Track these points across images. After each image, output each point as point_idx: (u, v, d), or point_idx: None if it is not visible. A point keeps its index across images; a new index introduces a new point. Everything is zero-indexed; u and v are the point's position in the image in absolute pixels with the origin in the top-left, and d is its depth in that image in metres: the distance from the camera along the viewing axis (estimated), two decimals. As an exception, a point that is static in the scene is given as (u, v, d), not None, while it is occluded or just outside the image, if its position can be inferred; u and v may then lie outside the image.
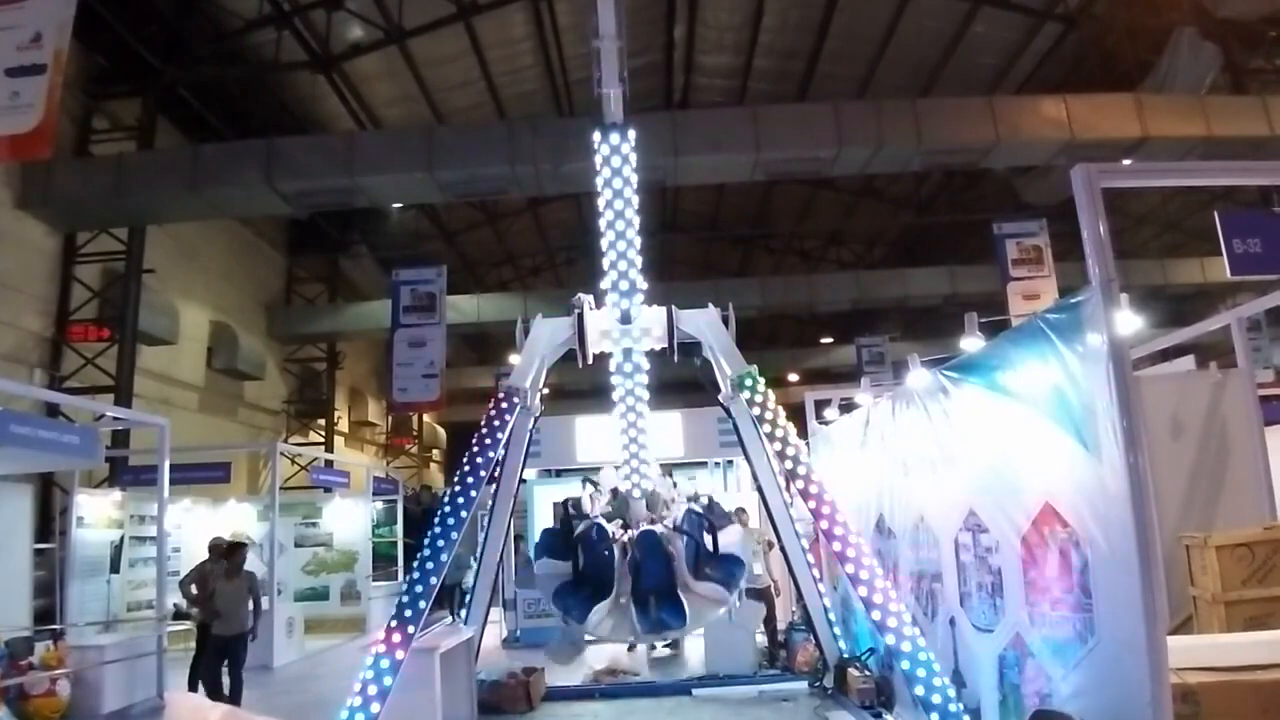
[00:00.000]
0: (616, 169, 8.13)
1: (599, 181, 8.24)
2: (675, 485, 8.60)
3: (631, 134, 8.17)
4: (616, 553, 7.53)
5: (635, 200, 8.21)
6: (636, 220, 8.22)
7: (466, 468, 7.30)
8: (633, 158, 8.20)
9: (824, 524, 6.99)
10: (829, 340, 32.21)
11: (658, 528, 7.55)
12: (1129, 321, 9.56)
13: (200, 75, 17.01)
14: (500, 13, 17.68)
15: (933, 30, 19.30)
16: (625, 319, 8.07)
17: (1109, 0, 18.09)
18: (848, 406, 12.32)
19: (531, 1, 17.77)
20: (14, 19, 10.83)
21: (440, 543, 6.85)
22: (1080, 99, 16.50)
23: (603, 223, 8.16)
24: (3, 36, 10.70)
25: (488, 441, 7.48)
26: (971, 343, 12.85)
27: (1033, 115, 16.64)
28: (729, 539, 7.92)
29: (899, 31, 19.29)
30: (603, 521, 7.77)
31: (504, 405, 7.75)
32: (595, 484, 8.66)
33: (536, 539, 8.98)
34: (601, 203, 8.21)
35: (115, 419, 13.57)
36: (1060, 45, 19.54)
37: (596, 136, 8.21)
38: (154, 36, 15.80)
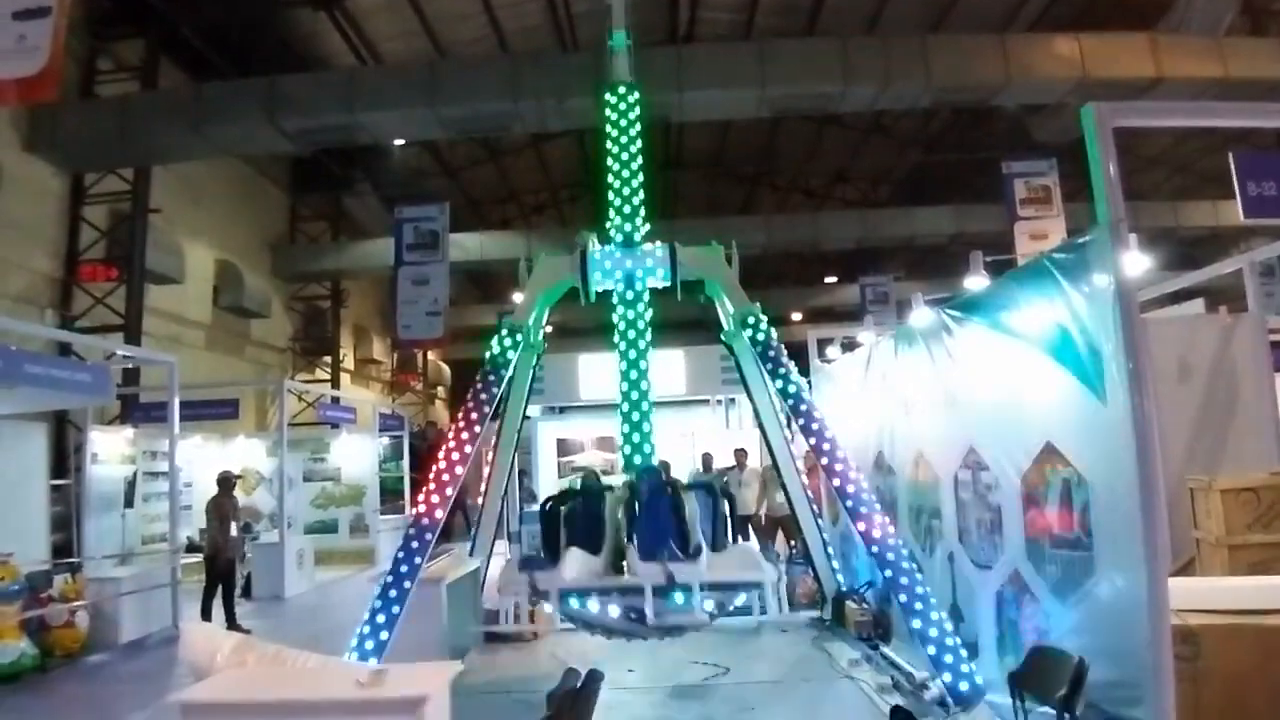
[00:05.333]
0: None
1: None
2: None
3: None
4: (609, 502, 7.22)
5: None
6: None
7: (470, 404, 7.37)
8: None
9: (824, 460, 7.06)
10: (833, 279, 32.09)
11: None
12: (1137, 262, 9.51)
13: (202, 13, 16.74)
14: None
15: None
16: (628, 243, 8.13)
17: (1127, -64, 17.62)
18: (850, 345, 12.36)
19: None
20: (20, -38, 10.64)
21: (445, 477, 6.94)
22: (1094, 38, 16.09)
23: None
24: (9, -20, 10.53)
25: (491, 378, 7.54)
26: (976, 281, 12.82)
27: (1045, 54, 16.27)
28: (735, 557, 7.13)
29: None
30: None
31: (506, 341, 7.79)
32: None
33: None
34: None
35: (125, 357, 13.71)
36: (1075, -19, 19.07)
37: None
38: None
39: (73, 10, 11.16)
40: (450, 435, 7.30)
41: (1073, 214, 19.49)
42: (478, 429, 7.27)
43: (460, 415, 7.40)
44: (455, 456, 7.06)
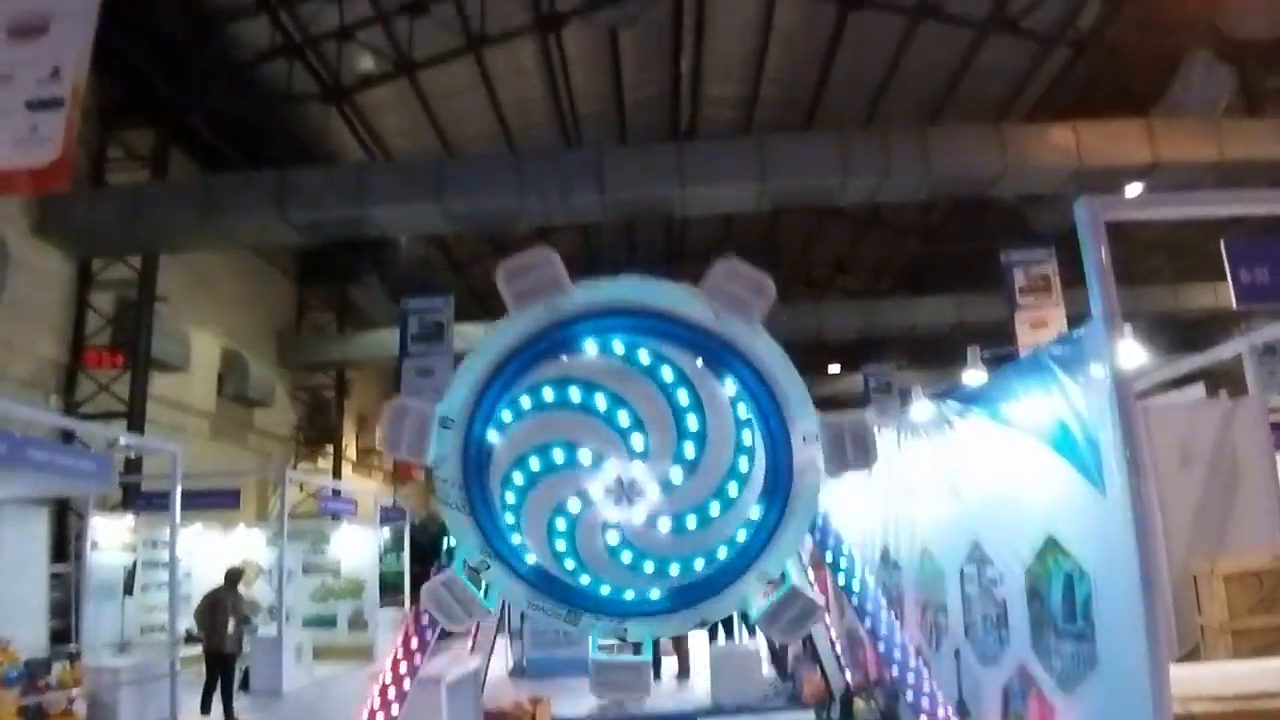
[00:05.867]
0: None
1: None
2: None
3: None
4: None
5: None
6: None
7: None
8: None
9: (829, 556, 6.98)
10: (836, 369, 32.17)
11: None
12: (1133, 353, 9.58)
13: (213, 105, 17.26)
14: (509, 45, 17.92)
15: (940, 57, 19.40)
16: None
17: (1121, 24, 18.07)
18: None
19: (540, 34, 18.01)
20: (34, 53, 11.00)
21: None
22: (1090, 125, 16.44)
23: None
24: (23, 70, 10.87)
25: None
26: (974, 376, 12.89)
27: (1041, 143, 16.62)
28: None
29: (905, 59, 19.40)
30: None
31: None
32: None
33: None
34: None
35: (128, 446, 13.74)
36: (1070, 70, 19.53)
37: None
38: (168, 67, 16.02)
39: (85, 101, 11.51)
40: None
41: (1073, 300, 19.56)
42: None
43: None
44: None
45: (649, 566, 4.32)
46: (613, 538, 4.24)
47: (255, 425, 22.55)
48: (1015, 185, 17.47)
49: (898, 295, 28.46)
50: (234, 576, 11.59)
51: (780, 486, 4.55)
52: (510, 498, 4.39)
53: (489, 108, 19.70)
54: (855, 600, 6.73)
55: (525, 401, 4.41)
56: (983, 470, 6.21)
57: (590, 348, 4.39)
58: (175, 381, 18.10)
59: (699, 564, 4.41)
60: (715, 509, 4.25)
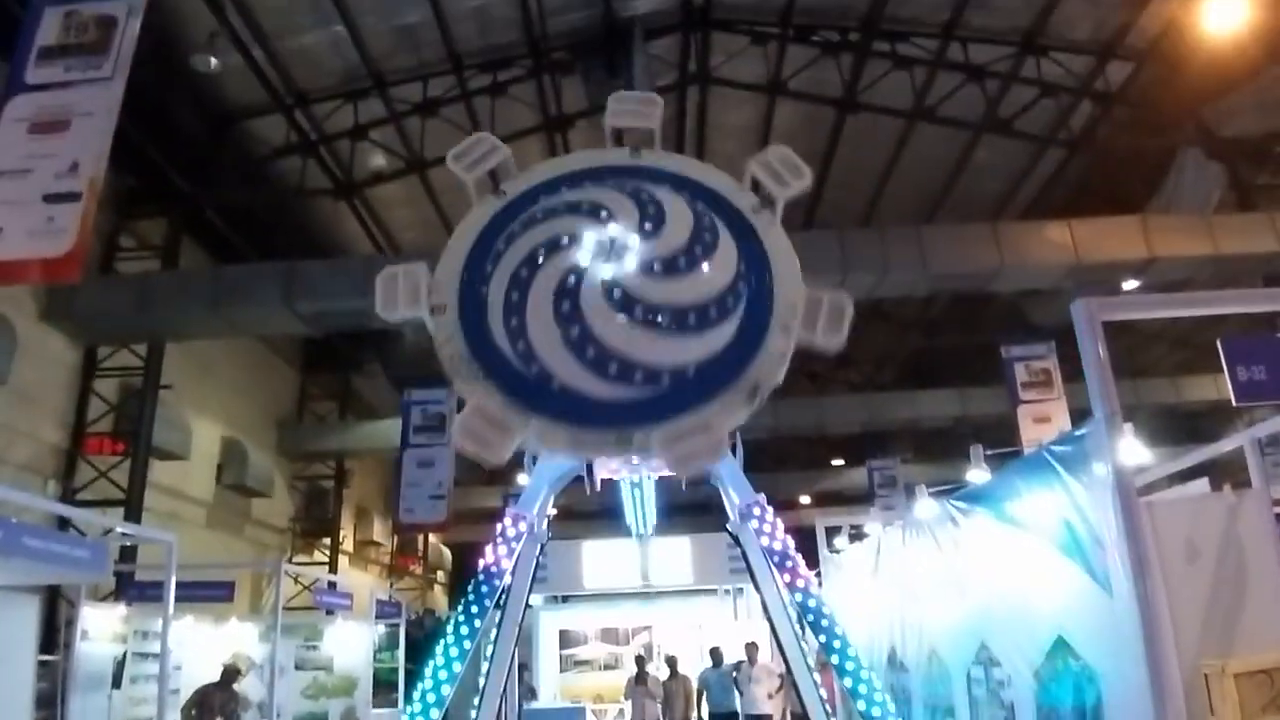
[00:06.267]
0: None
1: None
2: None
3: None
4: None
5: None
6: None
7: (471, 595, 7.16)
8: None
9: (835, 659, 6.84)
10: (840, 462, 31.99)
11: None
12: (1135, 451, 9.51)
13: (226, 198, 17.61)
14: (517, 144, 18.35)
15: (936, 158, 19.89)
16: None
17: (1112, 125, 18.55)
18: (858, 535, 12.21)
19: (547, 134, 18.50)
20: (54, 147, 11.27)
21: (442, 674, 6.65)
22: (1085, 222, 16.65)
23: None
24: (43, 164, 11.12)
25: (493, 569, 7.34)
26: (977, 474, 12.81)
27: (1038, 240, 16.83)
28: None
29: (902, 160, 19.88)
30: None
31: (510, 532, 7.65)
32: None
33: None
34: None
35: (124, 534, 13.58)
36: (1064, 169, 20.00)
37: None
38: (184, 160, 16.39)
39: (100, 191, 11.78)
40: (449, 626, 6.65)
41: (1074, 394, 19.55)
42: (478, 622, 6.51)
43: (460, 605, 6.71)
44: (454, 652, 6.47)
45: (664, 318, 4.52)
46: (616, 294, 4.52)
47: (253, 515, 22.32)
48: (1013, 281, 17.64)
49: (900, 388, 28.49)
50: (230, 675, 11.25)
51: (754, 253, 5.33)
52: (514, 321, 4.81)
53: (496, 204, 20.05)
54: (862, 704, 6.58)
55: (503, 244, 5.07)
56: (989, 570, 6.15)
57: (544, 200, 5.23)
58: (175, 470, 17.98)
59: (713, 312, 4.71)
60: (697, 249, 4.71)
